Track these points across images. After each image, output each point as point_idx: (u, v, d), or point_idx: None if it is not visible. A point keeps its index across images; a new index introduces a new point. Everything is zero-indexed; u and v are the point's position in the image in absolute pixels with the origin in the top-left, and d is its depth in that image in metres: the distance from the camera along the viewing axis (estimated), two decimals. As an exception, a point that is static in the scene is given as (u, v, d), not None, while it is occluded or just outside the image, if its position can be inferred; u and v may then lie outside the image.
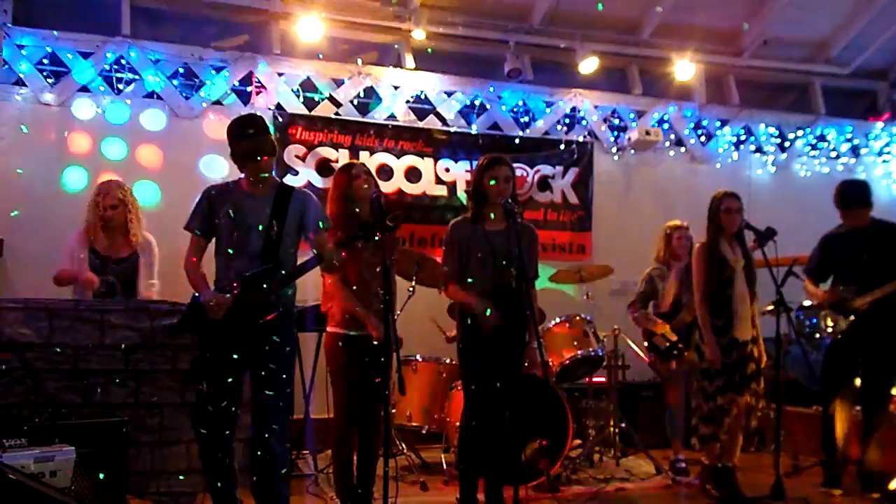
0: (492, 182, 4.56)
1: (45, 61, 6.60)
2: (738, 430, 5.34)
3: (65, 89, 6.62)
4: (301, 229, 4.18)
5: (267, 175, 4.14)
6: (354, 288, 4.54)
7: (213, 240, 4.17)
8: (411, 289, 5.92)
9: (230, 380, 3.99)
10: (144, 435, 4.63)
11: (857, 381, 5.57)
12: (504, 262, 4.54)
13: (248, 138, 4.01)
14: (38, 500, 3.29)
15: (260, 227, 4.05)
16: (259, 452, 4.03)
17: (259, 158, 4.04)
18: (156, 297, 5.32)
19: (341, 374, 4.54)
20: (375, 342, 4.44)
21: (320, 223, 4.19)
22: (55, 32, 6.57)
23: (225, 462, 4.08)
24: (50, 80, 6.60)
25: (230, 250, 4.06)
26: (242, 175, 4.16)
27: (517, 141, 7.85)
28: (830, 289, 5.71)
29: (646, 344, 6.25)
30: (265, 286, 3.96)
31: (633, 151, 8.24)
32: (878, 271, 5.46)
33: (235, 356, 3.96)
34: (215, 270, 4.14)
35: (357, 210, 4.56)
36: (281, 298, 4.08)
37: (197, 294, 4.03)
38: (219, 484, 4.08)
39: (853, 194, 5.72)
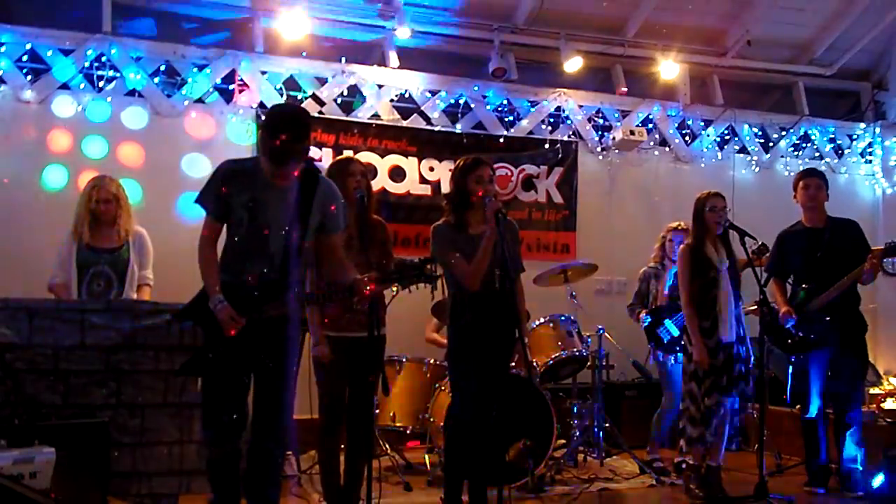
0: (477, 184, 4.52)
1: (25, 58, 6.52)
2: (724, 430, 5.35)
3: (45, 87, 6.54)
4: (319, 226, 3.86)
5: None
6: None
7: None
8: (394, 289, 5.88)
9: (233, 382, 3.78)
10: (126, 436, 4.58)
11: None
12: (491, 266, 4.50)
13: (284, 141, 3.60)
14: (18, 502, 3.25)
15: (281, 227, 3.73)
16: (257, 456, 3.87)
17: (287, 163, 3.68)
18: (147, 294, 5.28)
19: (326, 374, 4.51)
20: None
21: (341, 224, 3.93)
22: (35, 30, 6.50)
23: (233, 467, 3.92)
24: (29, 78, 6.51)
25: (245, 244, 3.74)
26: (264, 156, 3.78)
27: (501, 140, 7.84)
28: (787, 306, 5.66)
29: (648, 339, 6.23)
30: (284, 299, 3.71)
31: (617, 151, 8.23)
32: (832, 269, 5.48)
33: (241, 359, 3.75)
34: (224, 255, 3.84)
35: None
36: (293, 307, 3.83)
37: (220, 296, 3.69)
38: (226, 488, 3.93)
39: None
